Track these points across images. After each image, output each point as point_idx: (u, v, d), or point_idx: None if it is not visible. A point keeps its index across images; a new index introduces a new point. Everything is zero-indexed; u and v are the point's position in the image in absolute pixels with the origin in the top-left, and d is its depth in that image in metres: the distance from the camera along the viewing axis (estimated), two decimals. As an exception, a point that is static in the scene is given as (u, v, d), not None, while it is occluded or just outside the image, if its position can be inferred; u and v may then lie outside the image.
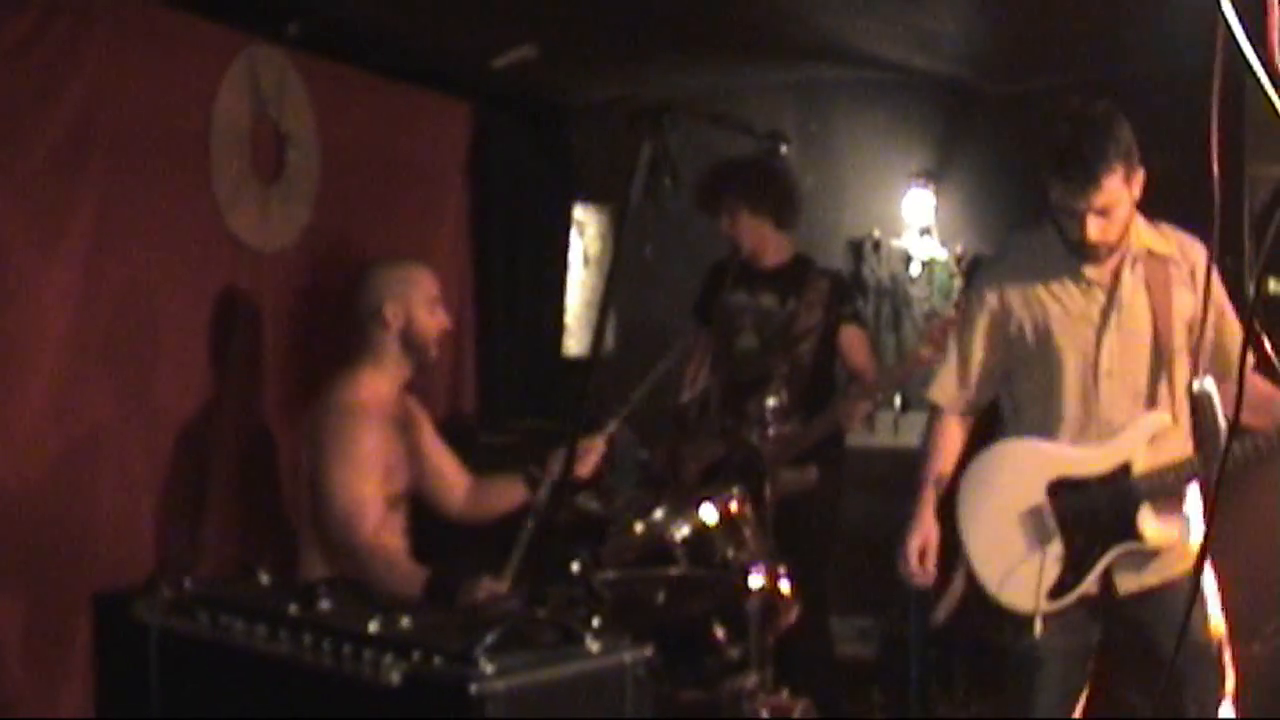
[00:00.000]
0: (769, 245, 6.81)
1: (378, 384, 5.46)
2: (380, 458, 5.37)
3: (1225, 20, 2.88)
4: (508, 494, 5.68)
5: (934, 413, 5.18)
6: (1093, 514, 4.77)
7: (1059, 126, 4.62)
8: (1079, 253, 4.76)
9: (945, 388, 5.13)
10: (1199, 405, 3.77)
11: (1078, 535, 4.77)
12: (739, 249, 6.72)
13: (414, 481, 5.61)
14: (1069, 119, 4.61)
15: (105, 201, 5.54)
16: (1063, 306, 4.86)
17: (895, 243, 8.14)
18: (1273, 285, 4.64)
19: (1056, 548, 4.77)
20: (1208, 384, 3.77)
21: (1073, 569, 4.77)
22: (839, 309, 6.74)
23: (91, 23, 5.45)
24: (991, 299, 4.98)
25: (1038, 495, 4.80)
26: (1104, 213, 4.61)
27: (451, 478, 5.76)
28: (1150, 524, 4.73)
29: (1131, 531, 4.74)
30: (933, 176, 8.08)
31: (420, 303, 5.54)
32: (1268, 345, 4.33)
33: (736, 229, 6.74)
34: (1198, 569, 2.87)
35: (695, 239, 7.07)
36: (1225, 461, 2.72)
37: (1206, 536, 2.70)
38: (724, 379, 6.90)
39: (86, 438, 5.55)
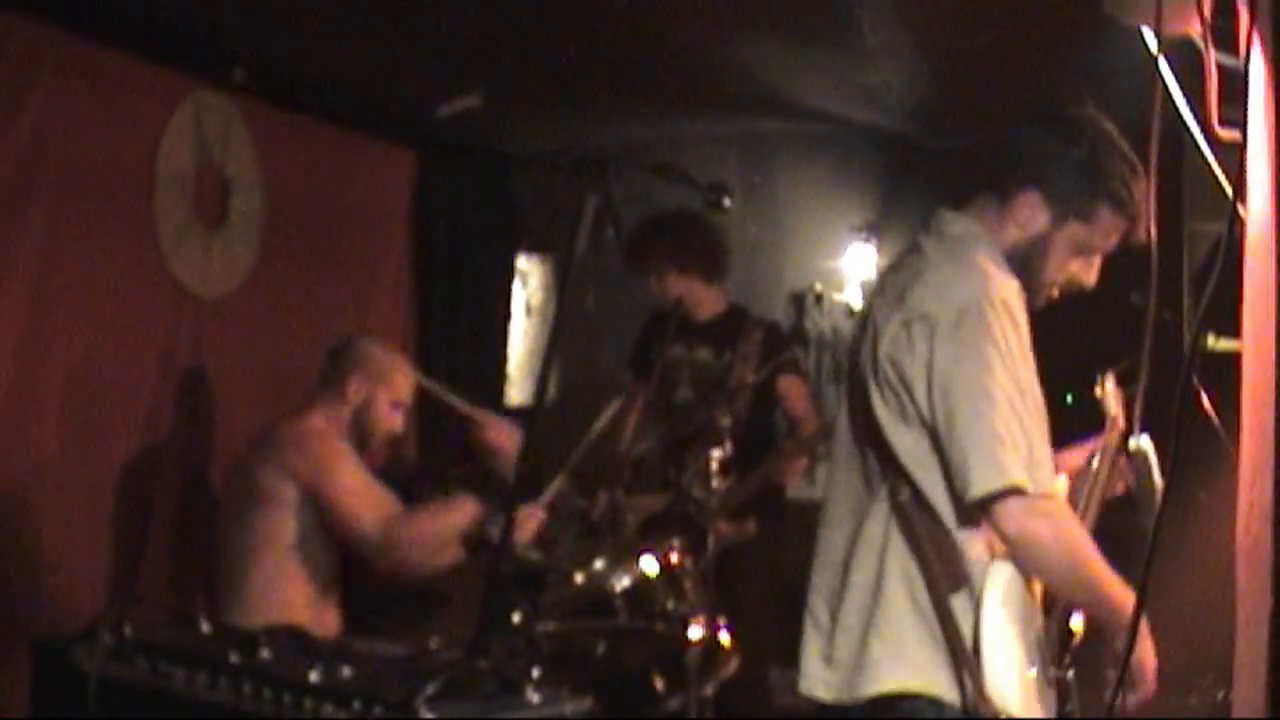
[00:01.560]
0: (701, 300, 6.77)
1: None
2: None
3: (1162, 80, 2.93)
4: (455, 511, 5.52)
5: (1029, 507, 3.59)
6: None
7: (1112, 157, 3.78)
8: (1043, 298, 3.96)
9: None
10: (1136, 463, 3.73)
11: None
12: (678, 303, 6.67)
13: None
14: (1122, 156, 3.79)
15: (49, 246, 5.53)
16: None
17: (837, 296, 8.18)
18: (1211, 341, 4.62)
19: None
20: (1144, 442, 3.74)
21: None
22: (776, 359, 6.71)
23: (37, 66, 5.44)
24: (1016, 329, 3.72)
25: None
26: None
27: None
28: None
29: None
30: (874, 230, 8.13)
31: (385, 397, 5.55)
32: (1206, 401, 4.36)
33: (664, 287, 6.70)
34: (1134, 622, 2.87)
35: (638, 290, 7.07)
36: (1161, 518, 2.73)
37: (1142, 589, 2.72)
38: (663, 432, 6.89)
39: (28, 483, 5.52)
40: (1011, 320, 3.65)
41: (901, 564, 3.73)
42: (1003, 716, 3.57)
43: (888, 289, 3.86)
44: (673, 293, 6.65)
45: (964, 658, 3.63)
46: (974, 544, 3.69)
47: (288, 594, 5.25)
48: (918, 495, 3.71)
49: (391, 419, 5.59)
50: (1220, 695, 5.67)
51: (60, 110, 5.56)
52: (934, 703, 3.67)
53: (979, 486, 3.54)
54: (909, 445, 3.72)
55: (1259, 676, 2.47)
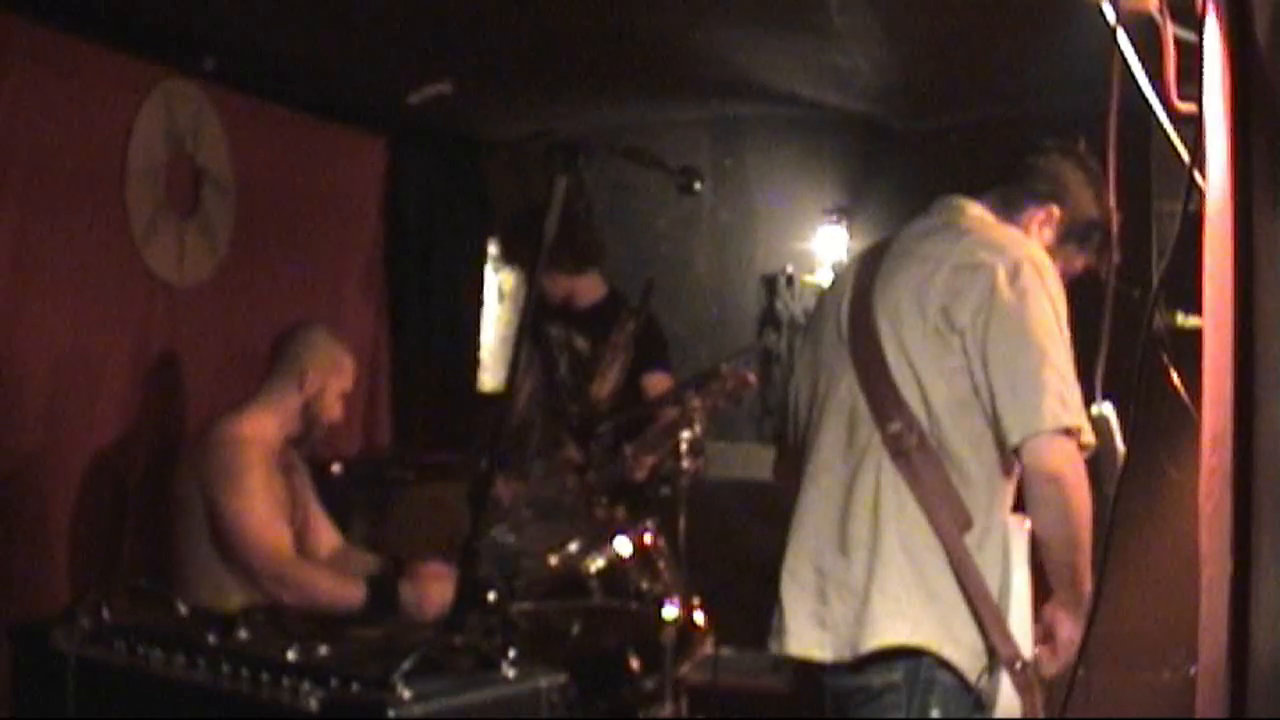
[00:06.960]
0: (576, 290, 6.73)
1: (265, 425, 5.41)
2: (271, 488, 5.33)
3: (1121, 54, 2.96)
4: (350, 587, 5.35)
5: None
6: None
7: (1105, 196, 3.98)
8: None
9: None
10: (1097, 429, 3.77)
11: None
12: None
13: (295, 525, 5.54)
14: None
15: (20, 235, 5.54)
16: None
17: (808, 278, 8.19)
18: (1179, 319, 4.67)
19: None
20: (1106, 408, 3.79)
21: None
22: (641, 353, 6.58)
23: (7, 56, 5.45)
24: (1060, 292, 3.91)
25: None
26: None
27: (324, 535, 5.71)
28: None
29: None
30: (845, 213, 8.13)
31: (337, 389, 5.57)
32: (1175, 378, 4.39)
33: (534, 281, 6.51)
34: (1096, 595, 2.90)
35: (610, 273, 7.08)
36: (1122, 486, 2.77)
37: (1105, 560, 2.76)
38: (547, 405, 6.80)
39: (3, 469, 5.53)
40: (1055, 282, 3.83)
41: (897, 517, 3.81)
42: (1024, 658, 3.69)
43: (913, 250, 4.00)
44: (546, 290, 6.58)
45: (980, 602, 3.71)
46: (1006, 498, 3.84)
47: (219, 581, 5.24)
48: (926, 444, 3.78)
49: (336, 409, 5.60)
50: (1192, 670, 5.71)
51: (31, 99, 5.56)
52: (932, 659, 3.74)
53: (1047, 420, 3.65)
54: (941, 392, 3.81)
55: (1220, 641, 2.51)
